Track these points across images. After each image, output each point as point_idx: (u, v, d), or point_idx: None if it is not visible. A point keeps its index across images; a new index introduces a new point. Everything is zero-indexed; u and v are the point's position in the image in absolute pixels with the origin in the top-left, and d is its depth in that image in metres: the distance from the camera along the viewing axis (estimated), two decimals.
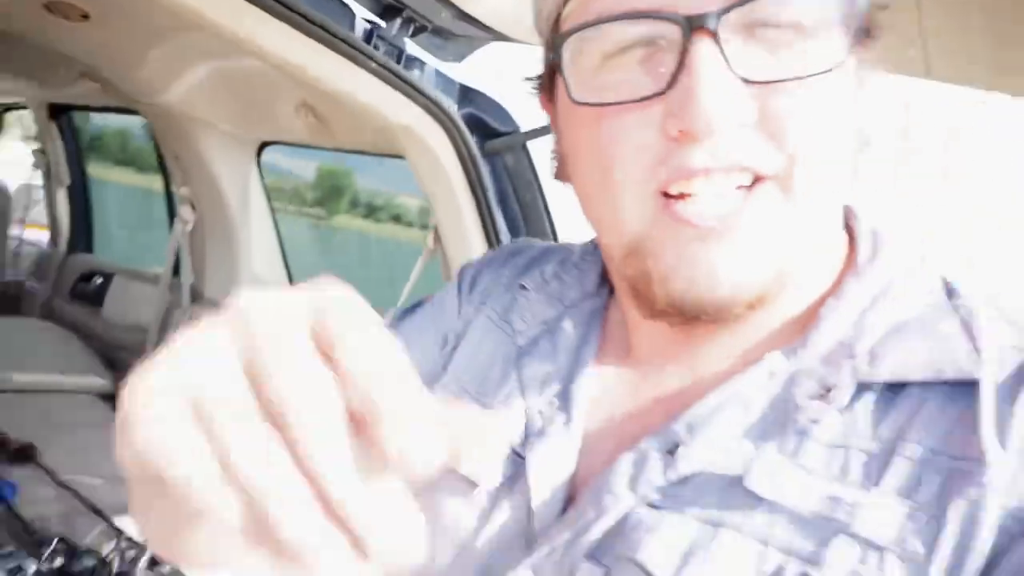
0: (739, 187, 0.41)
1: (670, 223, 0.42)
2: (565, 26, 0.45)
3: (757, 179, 0.41)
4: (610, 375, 0.53)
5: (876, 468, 0.39)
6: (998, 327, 0.41)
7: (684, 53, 0.39)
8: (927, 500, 0.37)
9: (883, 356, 0.41)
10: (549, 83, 0.50)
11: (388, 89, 1.26)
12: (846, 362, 0.42)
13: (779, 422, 0.42)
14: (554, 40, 0.45)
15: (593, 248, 0.60)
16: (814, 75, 0.40)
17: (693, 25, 0.39)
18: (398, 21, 1.24)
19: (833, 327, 0.44)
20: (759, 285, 0.42)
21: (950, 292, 0.45)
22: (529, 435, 0.51)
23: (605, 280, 0.58)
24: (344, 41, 1.17)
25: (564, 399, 0.51)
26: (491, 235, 1.40)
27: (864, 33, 0.44)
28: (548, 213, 1.47)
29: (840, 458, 0.39)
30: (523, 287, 0.60)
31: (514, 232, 1.43)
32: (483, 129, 1.40)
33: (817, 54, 0.40)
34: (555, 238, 1.46)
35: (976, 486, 0.36)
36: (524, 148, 1.44)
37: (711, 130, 0.39)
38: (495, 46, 1.33)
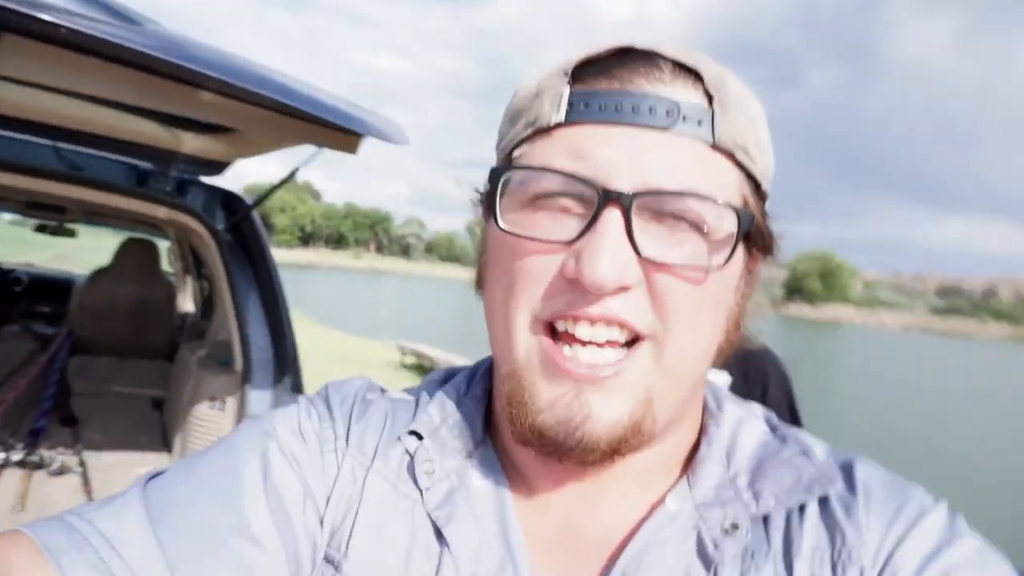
0: (617, 344, 0.47)
1: (550, 364, 0.48)
2: (516, 162, 0.51)
3: (636, 339, 0.48)
4: (538, 532, 0.54)
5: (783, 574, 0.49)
6: (814, 446, 0.55)
7: (596, 217, 0.46)
8: None
9: (761, 491, 0.52)
10: (488, 201, 0.53)
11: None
12: (737, 501, 0.52)
13: (698, 558, 0.50)
14: (499, 171, 0.51)
15: (466, 387, 0.61)
16: (696, 267, 0.47)
17: (609, 197, 0.45)
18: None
19: (710, 469, 0.54)
20: (619, 433, 0.47)
21: (769, 423, 0.58)
22: None
23: (488, 426, 0.59)
24: None
25: (512, 568, 0.52)
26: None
27: (762, 246, 0.53)
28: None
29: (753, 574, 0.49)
30: (417, 435, 0.58)
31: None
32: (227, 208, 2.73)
33: (707, 252, 0.47)
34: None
35: (852, 566, 0.48)
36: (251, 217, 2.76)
37: (601, 287, 0.45)
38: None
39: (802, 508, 0.51)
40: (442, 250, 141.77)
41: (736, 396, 0.60)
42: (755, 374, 1.87)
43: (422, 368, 11.73)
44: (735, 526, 0.50)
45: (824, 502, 0.51)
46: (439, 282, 75.89)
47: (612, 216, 0.45)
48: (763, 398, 1.83)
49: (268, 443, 0.56)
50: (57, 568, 0.46)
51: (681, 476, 0.55)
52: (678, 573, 0.50)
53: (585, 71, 0.49)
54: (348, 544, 0.54)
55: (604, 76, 0.48)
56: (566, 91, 0.49)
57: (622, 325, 0.47)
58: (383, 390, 0.64)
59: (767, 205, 0.53)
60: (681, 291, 0.47)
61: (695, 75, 0.49)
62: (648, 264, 0.46)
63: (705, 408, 0.58)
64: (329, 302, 32.21)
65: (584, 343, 0.47)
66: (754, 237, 0.51)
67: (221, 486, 0.52)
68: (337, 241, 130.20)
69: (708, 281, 0.48)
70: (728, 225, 0.48)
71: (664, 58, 0.49)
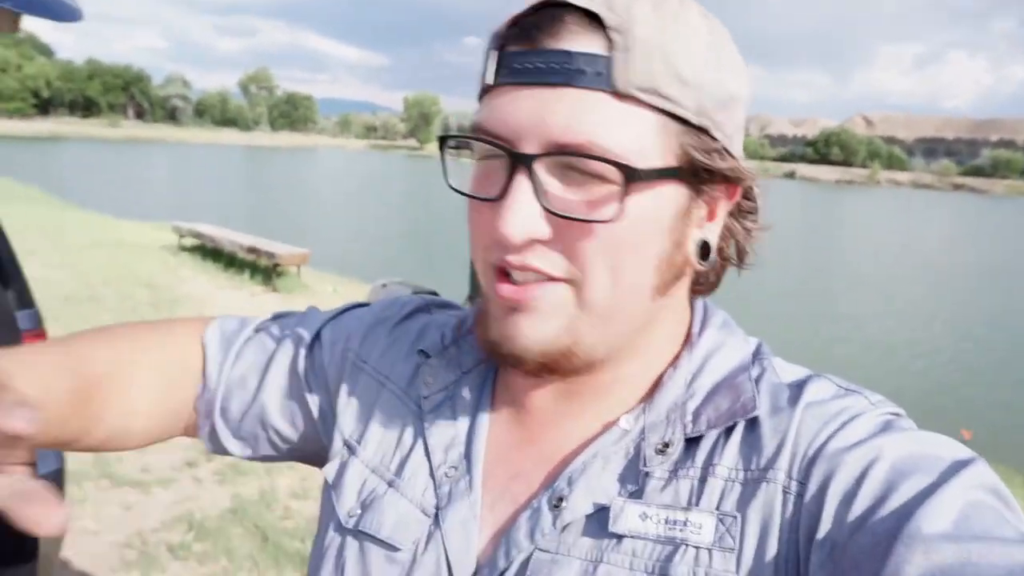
0: (539, 280, 0.54)
1: (494, 293, 0.56)
2: (480, 105, 0.57)
3: (550, 278, 0.53)
4: (503, 436, 0.63)
5: (696, 492, 0.53)
6: (774, 372, 0.58)
7: (510, 179, 0.52)
8: (732, 506, 0.52)
9: (700, 414, 0.56)
10: (442, 146, 0.60)
11: None
12: (679, 422, 0.57)
13: (632, 471, 0.56)
14: (442, 139, 0.59)
15: None
16: (593, 221, 0.51)
17: (517, 159, 0.51)
18: None
19: (669, 392, 0.58)
20: (546, 351, 0.55)
21: (756, 352, 0.61)
22: (439, 499, 0.61)
23: None
24: None
25: (466, 463, 0.62)
26: None
27: (717, 179, 0.55)
28: None
29: (672, 490, 0.54)
30: (424, 354, 0.69)
31: None
32: None
33: (604, 201, 0.51)
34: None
35: (767, 483, 0.51)
36: None
37: (512, 242, 0.51)
38: None
39: (731, 430, 0.55)
40: (215, 112, 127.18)
41: (732, 323, 0.63)
42: None
43: (204, 249, 10.79)
44: (667, 445, 0.56)
45: (752, 424, 0.55)
46: (215, 149, 68.98)
47: (519, 178, 0.51)
48: None
49: (318, 346, 0.74)
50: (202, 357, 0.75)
51: (647, 399, 0.59)
52: (614, 484, 0.56)
53: (511, 31, 0.53)
54: (362, 437, 0.67)
55: (521, 37, 0.52)
56: (494, 54, 0.54)
57: (537, 272, 0.53)
58: (434, 308, 0.76)
59: (726, 136, 0.55)
60: (590, 241, 0.52)
61: (599, 22, 0.50)
62: (555, 218, 0.51)
63: (689, 335, 0.61)
64: (85, 181, 28.20)
65: (513, 285, 0.54)
66: (697, 175, 0.54)
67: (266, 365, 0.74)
68: (85, 107, 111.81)
69: (617, 230, 0.51)
70: (625, 173, 0.50)
71: (572, 8, 0.51)
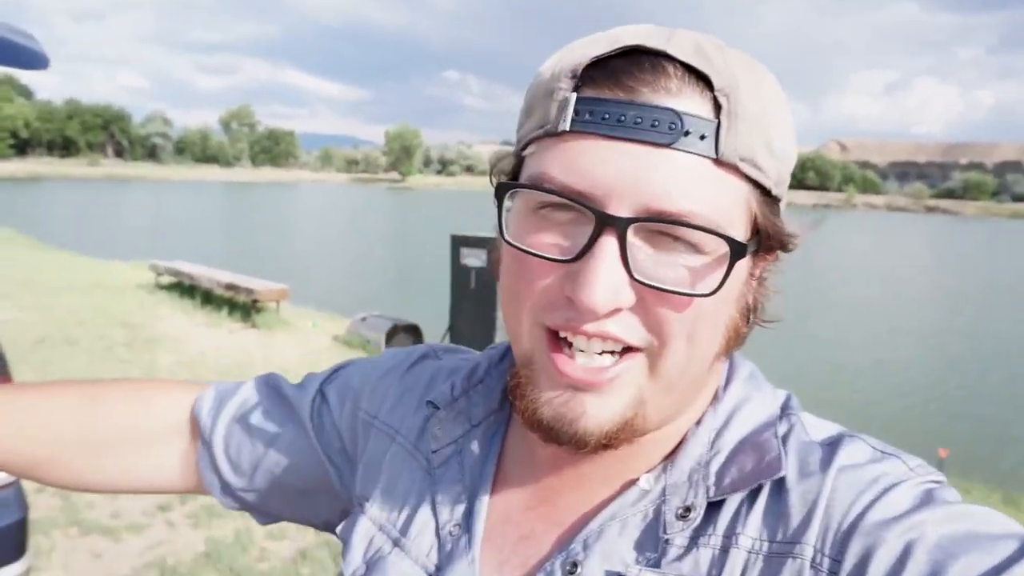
0: (610, 352, 0.50)
1: (551, 367, 0.51)
2: (525, 162, 0.53)
3: (627, 349, 0.50)
4: (513, 495, 0.60)
5: (717, 565, 0.50)
6: (804, 429, 0.54)
7: (592, 242, 0.47)
8: None
9: (724, 476, 0.52)
10: (498, 198, 0.53)
11: None
12: (702, 484, 0.53)
13: (650, 537, 0.53)
14: (504, 187, 0.52)
15: (499, 359, 0.67)
16: (691, 295, 0.48)
17: (606, 222, 0.47)
18: None
19: (692, 450, 0.55)
20: (611, 430, 0.51)
21: (784, 406, 0.57)
22: (440, 558, 0.59)
23: (507, 395, 0.62)
24: None
25: (467, 520, 0.60)
26: None
27: (772, 247, 0.53)
28: None
29: (691, 560, 0.50)
30: (433, 405, 0.66)
31: None
32: None
33: (702, 275, 0.48)
34: None
35: (792, 558, 0.48)
36: None
37: (594, 312, 0.47)
38: None
39: (756, 493, 0.51)
40: (195, 150, 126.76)
41: (759, 376, 0.60)
42: None
43: (182, 287, 10.73)
44: (688, 509, 0.52)
45: (779, 487, 0.51)
46: (196, 186, 69.01)
47: (607, 241, 0.47)
48: None
49: (322, 404, 0.73)
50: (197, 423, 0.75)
51: (668, 458, 0.56)
52: (631, 551, 0.52)
53: (593, 73, 0.49)
54: (371, 494, 0.66)
55: (610, 82, 0.48)
56: (572, 97, 0.49)
57: (616, 341, 0.49)
58: (441, 352, 0.74)
59: (782, 204, 0.53)
60: (675, 311, 0.49)
61: (706, 80, 0.47)
62: (641, 286, 0.48)
63: (715, 390, 0.58)
64: (63, 221, 28.01)
65: (581, 350, 0.50)
66: (762, 243, 0.52)
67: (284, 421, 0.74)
68: (64, 147, 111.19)
69: (703, 301, 0.49)
70: (723, 250, 0.48)
71: (674, 61, 0.47)
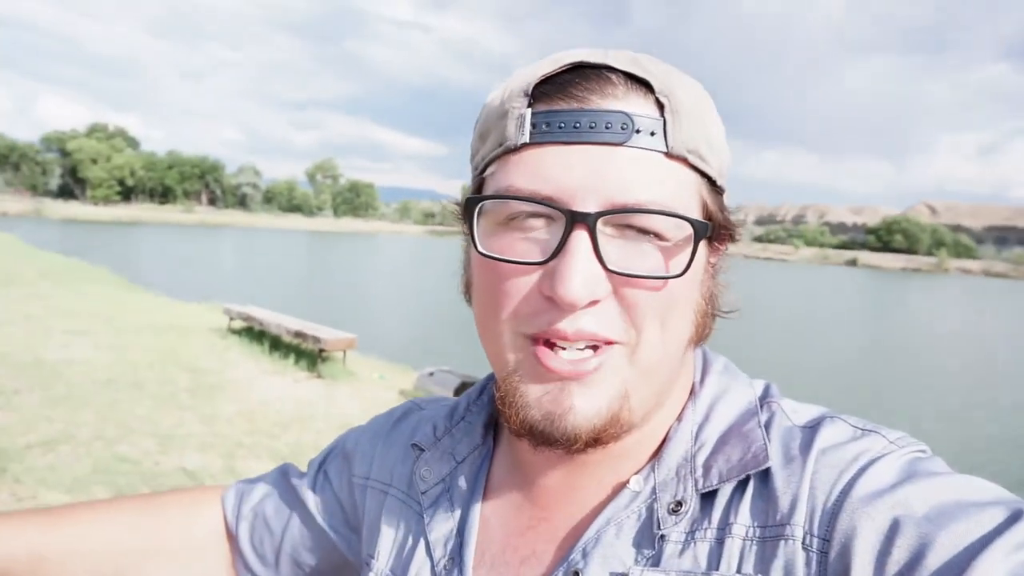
0: (592, 348, 0.52)
1: (538, 367, 0.52)
2: (486, 183, 0.55)
3: (607, 342, 0.52)
4: (510, 521, 0.62)
5: (715, 556, 0.51)
6: (784, 415, 0.56)
7: (565, 239, 0.50)
8: (752, 568, 0.49)
9: (711, 467, 0.54)
10: (467, 226, 0.55)
11: None
12: (689, 477, 0.54)
13: (646, 535, 0.54)
14: (473, 200, 0.54)
15: (477, 395, 0.71)
16: (662, 277, 0.51)
17: (575, 219, 0.49)
18: None
19: (677, 446, 0.57)
20: (599, 424, 0.52)
21: (764, 394, 0.59)
22: None
23: (490, 426, 0.68)
24: None
25: (459, 553, 0.62)
26: None
27: (723, 236, 0.57)
28: None
29: (690, 555, 0.52)
30: (418, 447, 0.69)
31: None
32: None
33: (669, 260, 0.52)
34: None
35: (784, 541, 0.49)
36: None
37: (574, 304, 0.49)
38: None
39: (745, 482, 0.53)
40: (282, 199, 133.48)
41: (733, 368, 0.62)
42: None
43: (252, 332, 10.69)
44: (680, 504, 0.53)
45: (766, 475, 0.52)
46: (280, 234, 71.99)
47: (579, 236, 0.50)
48: None
49: (324, 483, 0.77)
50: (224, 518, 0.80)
51: (654, 456, 0.58)
52: (630, 552, 0.54)
53: (544, 89, 0.52)
54: (375, 549, 0.68)
55: (561, 95, 0.51)
56: (528, 112, 0.52)
57: (594, 338, 0.51)
58: (424, 404, 0.77)
59: (725, 197, 0.57)
60: (648, 299, 0.51)
61: (646, 85, 0.52)
62: (616, 277, 0.51)
63: (692, 385, 0.60)
64: (153, 262, 29.43)
65: (562, 353, 0.52)
66: (714, 233, 0.55)
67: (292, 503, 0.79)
68: (163, 195, 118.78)
69: (672, 286, 0.52)
70: (686, 233, 0.52)
71: (615, 71, 0.52)
